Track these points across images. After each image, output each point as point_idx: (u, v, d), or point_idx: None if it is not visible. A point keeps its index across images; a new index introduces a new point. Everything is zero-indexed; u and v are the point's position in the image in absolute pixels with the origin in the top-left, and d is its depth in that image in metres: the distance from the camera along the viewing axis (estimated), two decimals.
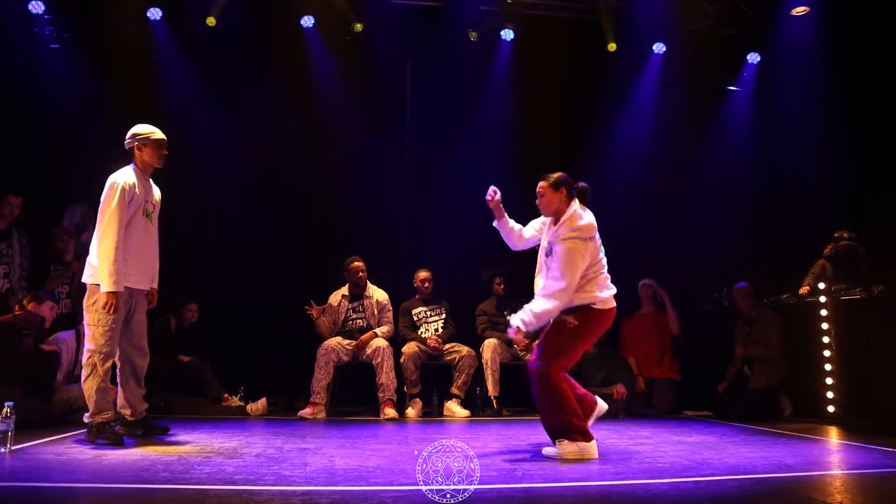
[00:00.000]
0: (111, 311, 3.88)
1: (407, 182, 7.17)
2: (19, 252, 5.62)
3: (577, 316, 3.74)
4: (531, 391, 3.85)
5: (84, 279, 4.03)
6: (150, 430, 4.24)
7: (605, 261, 3.86)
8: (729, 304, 6.38)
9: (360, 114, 7.01)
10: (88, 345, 3.93)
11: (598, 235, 3.85)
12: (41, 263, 5.78)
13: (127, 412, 4.15)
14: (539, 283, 3.87)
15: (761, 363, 5.95)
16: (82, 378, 3.96)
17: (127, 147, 4.18)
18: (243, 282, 6.60)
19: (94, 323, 3.93)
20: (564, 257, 3.68)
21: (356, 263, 6.08)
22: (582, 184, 3.95)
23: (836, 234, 5.74)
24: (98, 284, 3.92)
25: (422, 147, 7.16)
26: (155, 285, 4.30)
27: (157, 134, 4.17)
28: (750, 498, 2.94)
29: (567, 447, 3.70)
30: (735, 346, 6.17)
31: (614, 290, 3.86)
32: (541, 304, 3.68)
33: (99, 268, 3.89)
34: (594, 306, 3.77)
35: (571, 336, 3.75)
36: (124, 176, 4.03)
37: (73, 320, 5.50)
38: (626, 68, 7.23)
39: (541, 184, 3.90)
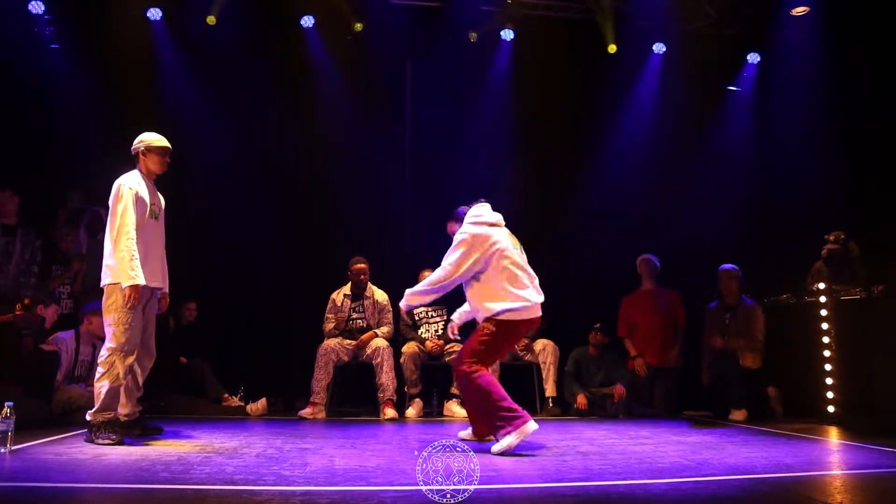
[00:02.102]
0: (132, 306, 3.96)
1: (407, 182, 7.17)
2: (20, 250, 5.59)
3: (494, 323, 3.99)
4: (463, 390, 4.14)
5: (102, 282, 4.06)
6: (144, 430, 4.25)
7: (522, 276, 4.04)
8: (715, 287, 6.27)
9: (360, 114, 7.01)
10: (109, 343, 3.99)
11: (509, 251, 4.06)
12: (42, 263, 5.77)
13: (124, 412, 4.16)
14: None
15: (747, 352, 5.85)
16: (97, 376, 3.99)
17: (133, 152, 4.27)
18: (243, 282, 6.60)
19: (114, 322, 3.99)
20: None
21: (359, 265, 6.08)
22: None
23: (825, 237, 5.75)
24: (116, 284, 3.99)
25: (422, 147, 7.16)
26: (166, 289, 4.36)
27: (163, 142, 4.28)
28: (750, 498, 2.94)
29: (511, 438, 3.81)
30: (710, 336, 6.02)
31: (529, 303, 4.02)
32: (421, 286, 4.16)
33: (118, 264, 3.97)
34: (504, 317, 3.98)
35: (488, 341, 4.00)
36: (130, 178, 4.15)
37: (74, 320, 5.50)
38: (626, 68, 7.24)
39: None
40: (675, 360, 6.24)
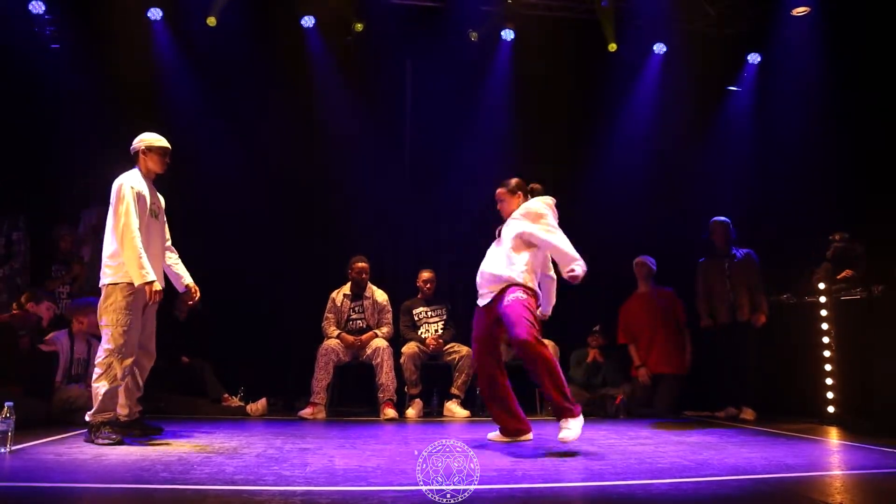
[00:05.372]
0: (155, 301, 4.01)
1: (407, 182, 7.17)
2: None
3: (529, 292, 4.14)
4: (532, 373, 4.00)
5: (101, 281, 4.06)
6: (144, 430, 4.25)
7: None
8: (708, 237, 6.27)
9: (360, 114, 7.01)
10: (107, 344, 3.98)
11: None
12: (43, 263, 5.77)
13: (123, 412, 4.16)
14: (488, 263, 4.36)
15: (757, 312, 5.91)
16: (94, 376, 3.98)
17: (133, 151, 4.27)
18: (243, 282, 6.60)
19: (112, 323, 3.97)
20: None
21: (360, 264, 6.08)
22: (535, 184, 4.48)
23: (830, 237, 5.75)
24: (115, 284, 3.99)
25: (422, 147, 7.17)
26: (190, 282, 4.44)
27: (163, 142, 4.29)
28: (750, 498, 2.94)
29: (576, 424, 3.85)
30: (705, 285, 6.10)
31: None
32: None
33: (127, 264, 3.97)
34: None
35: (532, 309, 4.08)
36: (131, 177, 4.14)
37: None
38: (626, 68, 7.24)
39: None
40: (683, 368, 6.19)
